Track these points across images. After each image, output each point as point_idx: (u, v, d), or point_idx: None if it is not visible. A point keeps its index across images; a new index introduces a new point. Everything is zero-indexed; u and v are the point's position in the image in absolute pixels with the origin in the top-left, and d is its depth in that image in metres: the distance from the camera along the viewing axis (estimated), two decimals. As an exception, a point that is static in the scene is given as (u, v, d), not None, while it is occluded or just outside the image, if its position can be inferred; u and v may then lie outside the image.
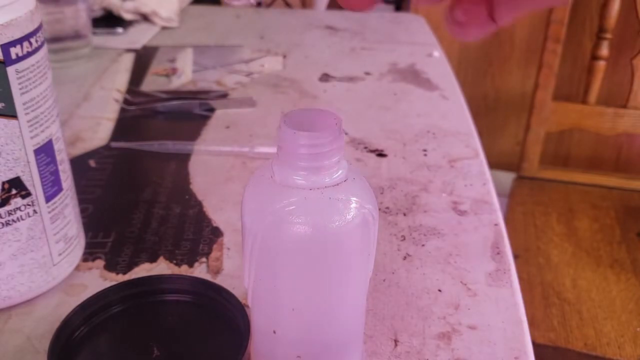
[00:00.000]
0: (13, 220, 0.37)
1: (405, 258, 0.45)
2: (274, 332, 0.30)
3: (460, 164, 0.58)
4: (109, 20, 0.93)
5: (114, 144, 0.61)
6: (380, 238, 0.47)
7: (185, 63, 0.82)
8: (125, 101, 0.70)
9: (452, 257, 0.45)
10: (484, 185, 0.55)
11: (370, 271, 0.31)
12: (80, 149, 0.60)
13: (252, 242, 0.29)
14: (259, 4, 1.24)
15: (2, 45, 0.33)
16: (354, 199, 0.28)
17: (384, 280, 0.43)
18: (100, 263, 0.44)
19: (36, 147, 0.37)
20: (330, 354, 0.31)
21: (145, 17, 0.96)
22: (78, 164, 0.57)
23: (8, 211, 0.37)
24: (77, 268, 0.43)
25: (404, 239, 0.47)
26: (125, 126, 0.65)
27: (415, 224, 0.49)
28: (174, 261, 0.45)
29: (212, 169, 0.57)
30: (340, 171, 0.28)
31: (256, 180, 0.29)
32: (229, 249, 0.46)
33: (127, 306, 0.37)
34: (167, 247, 0.46)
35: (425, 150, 0.61)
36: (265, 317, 0.31)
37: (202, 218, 0.50)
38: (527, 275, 1.01)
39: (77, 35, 0.80)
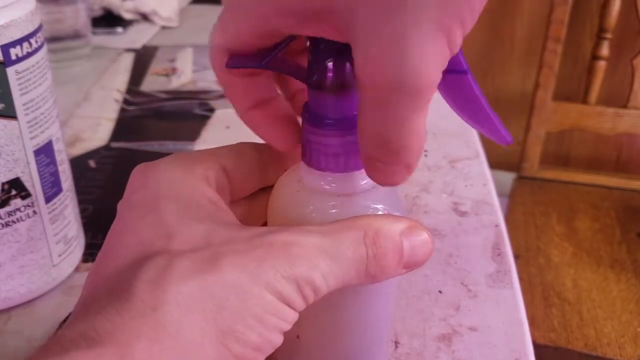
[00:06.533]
0: (13, 221, 0.37)
1: (405, 259, 0.45)
2: (298, 336, 0.30)
3: (460, 164, 0.58)
4: (108, 20, 0.93)
5: (114, 144, 0.61)
6: (380, 239, 0.47)
7: (185, 63, 0.81)
8: (125, 101, 0.70)
9: (453, 258, 0.45)
10: (484, 186, 0.55)
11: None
12: (80, 149, 0.60)
13: None
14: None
15: (2, 46, 0.33)
16: (381, 206, 0.27)
17: (384, 281, 0.43)
18: (100, 264, 0.44)
19: (36, 148, 0.37)
20: (355, 359, 0.31)
21: (145, 17, 0.96)
22: (78, 164, 0.57)
23: (8, 212, 0.36)
24: (77, 269, 0.43)
25: (405, 239, 0.47)
26: (125, 126, 0.65)
27: (416, 225, 0.49)
28: (174, 262, 0.45)
29: (212, 169, 0.57)
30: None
31: (283, 183, 0.29)
32: (229, 249, 0.46)
33: (127, 307, 0.37)
34: (167, 247, 0.46)
35: (425, 151, 0.60)
36: None
37: (202, 219, 0.50)
38: (527, 275, 1.01)
39: (76, 35, 0.80)
